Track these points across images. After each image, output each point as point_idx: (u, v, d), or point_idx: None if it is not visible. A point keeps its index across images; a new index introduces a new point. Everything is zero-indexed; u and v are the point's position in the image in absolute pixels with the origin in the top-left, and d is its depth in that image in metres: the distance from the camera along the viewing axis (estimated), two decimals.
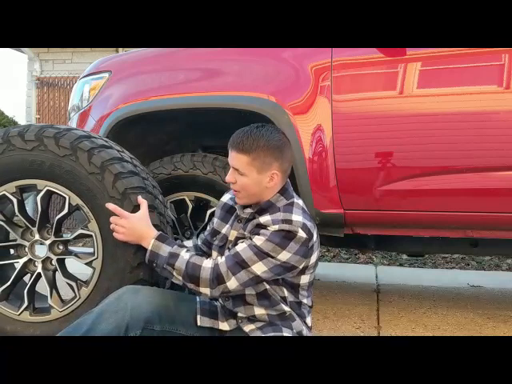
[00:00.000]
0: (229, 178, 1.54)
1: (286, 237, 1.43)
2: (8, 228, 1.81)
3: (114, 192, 1.65)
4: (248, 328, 1.53)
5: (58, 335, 1.48)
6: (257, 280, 1.46)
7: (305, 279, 1.53)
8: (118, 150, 1.77)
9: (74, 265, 1.83)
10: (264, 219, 1.48)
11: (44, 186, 1.73)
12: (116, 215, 1.61)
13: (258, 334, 1.50)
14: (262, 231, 1.46)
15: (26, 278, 1.84)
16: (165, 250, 1.53)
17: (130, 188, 1.67)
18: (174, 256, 1.51)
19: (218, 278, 1.46)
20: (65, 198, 1.72)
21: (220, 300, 1.59)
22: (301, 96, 2.10)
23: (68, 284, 1.77)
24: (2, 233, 1.85)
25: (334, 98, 2.06)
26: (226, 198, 1.68)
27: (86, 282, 1.73)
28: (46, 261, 1.79)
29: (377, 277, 3.59)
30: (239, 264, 1.45)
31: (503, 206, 2.03)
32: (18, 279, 1.83)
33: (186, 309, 1.57)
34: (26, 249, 1.80)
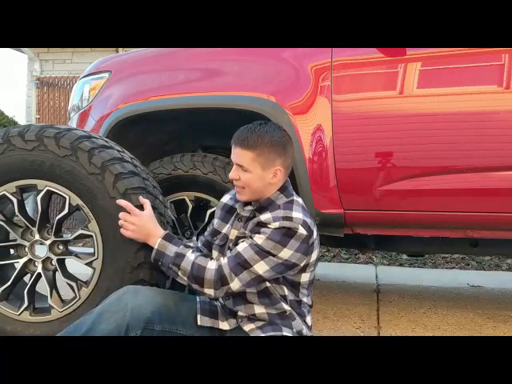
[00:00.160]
0: (232, 174, 1.54)
1: (286, 234, 1.44)
2: (8, 228, 1.81)
3: (115, 192, 1.65)
4: (248, 327, 1.53)
5: (58, 335, 1.48)
6: (259, 280, 1.47)
7: (305, 277, 1.54)
8: (119, 151, 1.77)
9: (74, 265, 1.83)
10: (265, 217, 1.49)
11: (44, 186, 1.73)
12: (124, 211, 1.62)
13: (258, 333, 1.50)
14: (263, 230, 1.47)
15: (26, 278, 1.84)
16: (171, 249, 1.54)
17: (131, 188, 1.67)
18: (180, 256, 1.52)
19: (221, 280, 1.47)
20: (65, 198, 1.72)
21: (220, 299, 1.59)
22: (301, 96, 2.10)
23: (68, 284, 1.77)
24: (2, 233, 1.86)
25: (334, 98, 2.06)
26: (225, 198, 1.68)
27: (86, 283, 1.74)
28: (46, 261, 1.79)
29: (377, 277, 3.59)
30: (241, 265, 1.46)
31: (503, 205, 2.03)
32: (18, 279, 1.83)
33: (186, 309, 1.58)
34: (26, 249, 1.80)
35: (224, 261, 1.49)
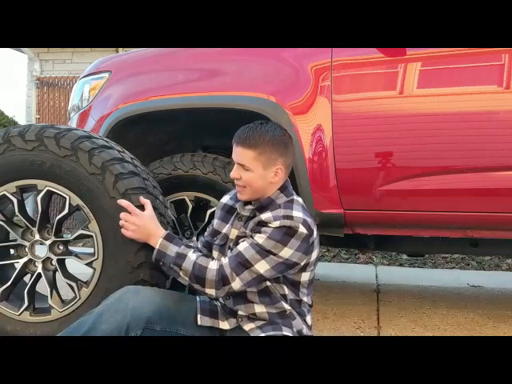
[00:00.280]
0: (234, 174, 1.55)
1: (287, 233, 1.45)
2: (8, 228, 1.81)
3: (115, 192, 1.65)
4: (248, 327, 1.53)
5: (58, 335, 1.48)
6: (260, 279, 1.48)
7: (305, 277, 1.54)
8: (119, 151, 1.77)
9: (74, 265, 1.83)
10: (265, 216, 1.49)
11: (44, 186, 1.73)
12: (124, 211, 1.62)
13: (258, 332, 1.50)
14: (264, 229, 1.47)
15: (27, 278, 1.84)
16: (172, 249, 1.54)
17: (131, 188, 1.67)
18: (181, 256, 1.52)
19: (223, 280, 1.47)
20: (65, 198, 1.72)
21: (220, 299, 1.59)
22: (301, 96, 2.10)
23: (68, 284, 1.77)
24: (2, 233, 1.86)
25: (334, 98, 2.06)
26: (225, 199, 1.68)
27: (87, 283, 1.74)
28: (46, 261, 1.79)
29: (377, 277, 3.59)
30: (242, 264, 1.46)
31: (503, 205, 2.03)
32: (19, 279, 1.83)
33: (186, 308, 1.58)
34: (26, 249, 1.80)
35: (225, 261, 1.49)
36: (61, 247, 1.79)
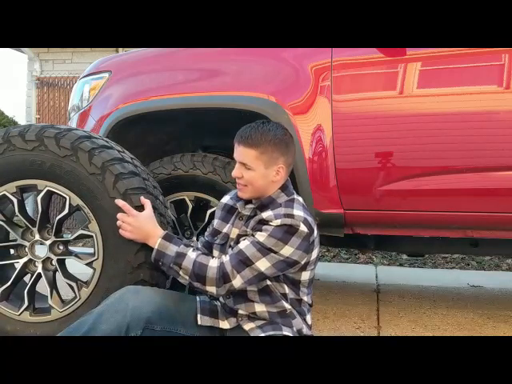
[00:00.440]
0: (235, 172, 1.55)
1: (288, 231, 1.45)
2: (8, 228, 1.81)
3: (115, 192, 1.65)
4: (248, 326, 1.53)
5: (58, 335, 1.48)
6: (261, 277, 1.48)
7: (305, 276, 1.55)
8: (119, 151, 1.77)
9: (74, 265, 1.83)
10: (266, 214, 1.50)
11: (44, 186, 1.73)
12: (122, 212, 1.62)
13: (258, 332, 1.50)
14: (265, 227, 1.48)
15: (27, 278, 1.84)
16: (172, 249, 1.54)
17: (131, 189, 1.67)
18: (181, 255, 1.52)
19: (223, 277, 1.47)
20: (65, 198, 1.72)
21: (221, 298, 1.60)
22: (301, 96, 2.10)
23: (68, 284, 1.77)
24: (2, 233, 1.85)
25: (334, 98, 2.06)
26: (225, 199, 1.69)
27: (87, 283, 1.74)
28: (46, 261, 1.79)
29: (377, 277, 3.59)
30: (243, 262, 1.46)
31: (503, 205, 2.03)
32: (19, 279, 1.83)
33: (186, 308, 1.58)
34: (26, 249, 1.80)
35: (226, 258, 1.50)
36: (61, 247, 1.79)
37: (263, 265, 1.46)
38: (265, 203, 1.55)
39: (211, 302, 1.63)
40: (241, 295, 1.54)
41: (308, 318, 1.59)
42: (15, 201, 1.77)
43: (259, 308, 1.53)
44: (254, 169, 1.52)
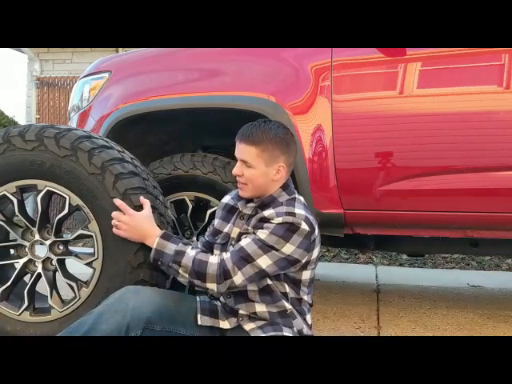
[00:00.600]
0: (236, 170, 1.56)
1: (289, 229, 1.46)
2: (8, 228, 1.81)
3: (115, 192, 1.65)
4: (248, 327, 1.53)
5: (58, 335, 1.48)
6: (261, 274, 1.48)
7: (306, 275, 1.55)
8: (119, 151, 1.77)
9: (74, 265, 1.83)
10: (268, 212, 1.50)
11: (44, 186, 1.73)
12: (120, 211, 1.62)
13: (259, 332, 1.50)
14: (266, 225, 1.48)
15: (27, 278, 1.84)
16: (170, 247, 1.54)
17: (131, 188, 1.67)
18: (180, 253, 1.52)
19: (224, 274, 1.47)
20: (65, 198, 1.72)
21: (221, 298, 1.59)
22: (301, 96, 2.10)
23: (68, 284, 1.77)
24: (2, 233, 1.85)
25: (334, 98, 2.06)
26: (226, 199, 1.69)
27: (87, 283, 1.73)
28: (46, 261, 1.79)
29: (377, 277, 3.59)
30: (244, 258, 1.46)
31: (503, 205, 2.03)
32: (18, 279, 1.83)
33: (186, 308, 1.58)
34: (26, 249, 1.80)
35: (227, 255, 1.50)
36: (61, 247, 1.79)
37: (264, 262, 1.46)
38: (266, 202, 1.55)
39: (211, 301, 1.62)
40: (241, 295, 1.54)
41: (308, 317, 1.60)
42: (15, 201, 1.77)
43: (260, 308, 1.53)
44: (254, 167, 1.52)
